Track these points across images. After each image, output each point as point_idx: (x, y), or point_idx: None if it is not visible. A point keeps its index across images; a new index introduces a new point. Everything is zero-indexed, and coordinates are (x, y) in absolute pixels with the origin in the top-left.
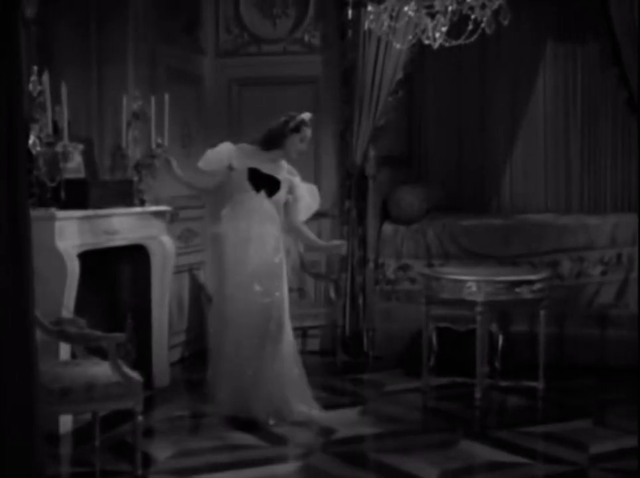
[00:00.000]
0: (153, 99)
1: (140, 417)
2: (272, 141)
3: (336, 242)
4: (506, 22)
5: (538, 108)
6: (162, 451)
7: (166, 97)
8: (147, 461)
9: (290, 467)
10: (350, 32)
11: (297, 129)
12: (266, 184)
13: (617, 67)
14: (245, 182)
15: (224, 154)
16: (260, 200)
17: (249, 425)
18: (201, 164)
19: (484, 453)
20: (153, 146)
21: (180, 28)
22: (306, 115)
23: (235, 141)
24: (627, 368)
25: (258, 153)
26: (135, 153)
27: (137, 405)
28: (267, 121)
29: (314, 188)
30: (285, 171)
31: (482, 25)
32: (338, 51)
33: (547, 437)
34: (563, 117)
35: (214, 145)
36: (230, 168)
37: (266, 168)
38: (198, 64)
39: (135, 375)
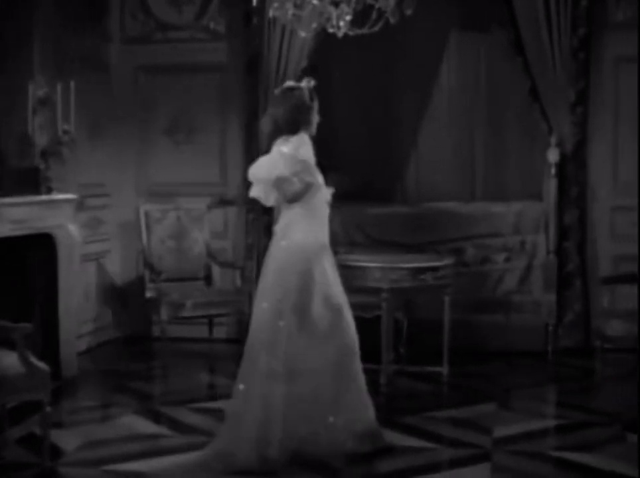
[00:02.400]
0: (59, 87)
1: (48, 408)
2: (301, 120)
3: None
4: (409, 12)
5: (443, 97)
6: (71, 442)
7: (72, 84)
8: (56, 452)
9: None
10: (255, 20)
11: (313, 96)
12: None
13: (520, 56)
14: (319, 177)
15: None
16: (325, 196)
17: (157, 415)
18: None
19: (391, 437)
20: (60, 133)
21: (86, 15)
22: (309, 81)
23: (144, 127)
24: (532, 353)
25: (287, 142)
26: (41, 140)
27: (45, 396)
28: (176, 108)
29: None
30: None
31: (386, 15)
32: (243, 39)
33: (452, 422)
34: (468, 105)
35: (119, 134)
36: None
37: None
38: (104, 51)
39: (43, 366)
